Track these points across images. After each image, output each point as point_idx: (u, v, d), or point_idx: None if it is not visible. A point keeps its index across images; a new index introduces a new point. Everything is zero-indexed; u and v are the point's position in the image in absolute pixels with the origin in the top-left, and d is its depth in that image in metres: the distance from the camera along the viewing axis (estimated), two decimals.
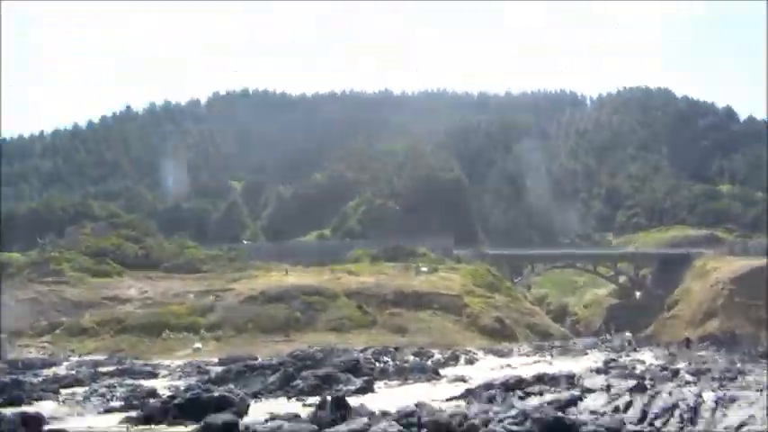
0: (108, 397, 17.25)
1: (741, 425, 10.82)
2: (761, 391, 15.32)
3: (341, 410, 12.76)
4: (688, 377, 19.45)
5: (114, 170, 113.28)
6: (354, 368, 21.79)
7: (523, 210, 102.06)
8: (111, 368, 25.12)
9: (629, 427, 10.54)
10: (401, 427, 9.98)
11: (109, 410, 15.34)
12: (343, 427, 10.21)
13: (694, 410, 11.66)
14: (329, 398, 13.75)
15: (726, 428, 10.77)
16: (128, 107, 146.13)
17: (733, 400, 12.37)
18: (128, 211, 79.71)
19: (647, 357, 28.85)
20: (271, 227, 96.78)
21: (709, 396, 12.62)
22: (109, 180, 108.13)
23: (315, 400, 15.29)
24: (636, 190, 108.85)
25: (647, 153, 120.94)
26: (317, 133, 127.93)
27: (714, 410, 11.75)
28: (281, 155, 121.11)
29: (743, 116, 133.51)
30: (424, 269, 54.19)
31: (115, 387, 18.75)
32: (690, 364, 24.53)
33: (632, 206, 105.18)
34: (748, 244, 71.63)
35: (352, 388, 18.48)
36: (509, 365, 26.04)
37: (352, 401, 14.12)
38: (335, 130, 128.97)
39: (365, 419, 10.80)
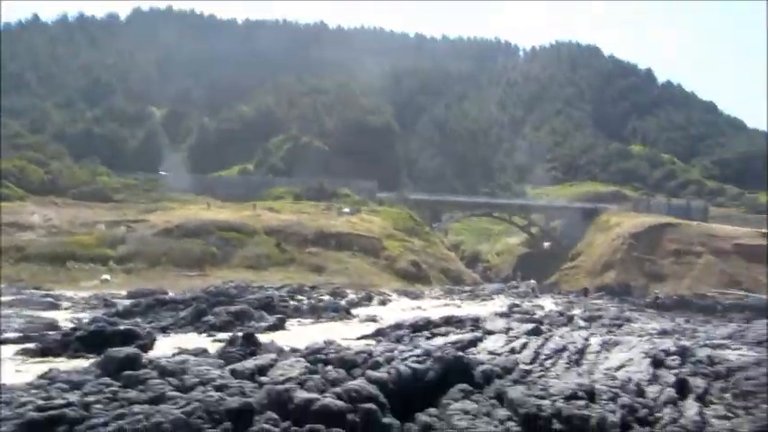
0: (2, 328, 16.44)
1: (620, 366, 11.87)
2: (641, 336, 16.86)
3: (251, 346, 12.88)
4: (581, 323, 20.95)
5: (18, 85, 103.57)
6: (268, 306, 21.95)
7: (449, 157, 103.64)
8: (8, 298, 23.85)
9: (522, 366, 11.26)
10: (308, 363, 10.19)
11: (2, 342, 14.67)
12: (249, 362, 10.29)
13: (581, 352, 12.60)
14: (240, 334, 13.82)
15: (607, 369, 11.73)
16: (35, 16, 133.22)
17: (616, 344, 13.46)
18: (32, 132, 73.88)
19: (548, 303, 30.82)
20: (192, 158, 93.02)
21: (595, 340, 13.63)
22: (12, 95, 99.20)
23: (226, 335, 15.31)
24: (557, 144, 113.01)
25: (572, 109, 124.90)
26: (245, 63, 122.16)
27: (598, 353, 12.76)
28: (207, 83, 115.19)
29: (662, 79, 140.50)
30: (347, 210, 54.50)
31: (11, 318, 17.87)
32: (584, 311, 26.39)
33: (552, 160, 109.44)
34: (650, 202, 77.06)
35: (265, 325, 18.64)
36: (420, 307, 27.06)
37: (264, 338, 14.27)
38: (266, 62, 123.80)
39: (273, 355, 10.96)
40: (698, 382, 11.53)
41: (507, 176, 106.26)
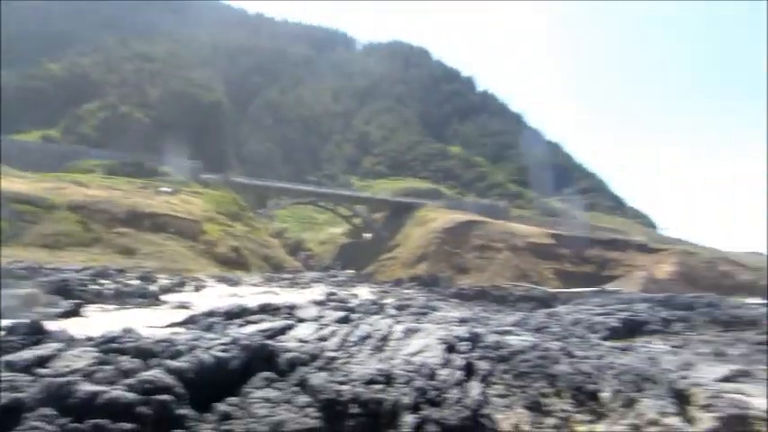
0: None
1: (418, 352, 12.75)
2: (442, 324, 18.27)
3: (36, 335, 11.58)
4: (392, 311, 22.10)
5: None
6: (63, 289, 19.89)
7: (280, 142, 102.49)
8: None
9: (327, 353, 11.57)
10: (100, 353, 9.42)
11: None
12: (27, 352, 9.23)
13: (385, 339, 13.31)
14: (23, 321, 12.35)
15: (406, 354, 12.52)
16: None
17: (417, 331, 14.42)
18: None
19: (364, 293, 31.99)
20: None
21: (399, 327, 14.47)
22: None
23: (7, 323, 13.53)
24: (384, 139, 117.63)
25: (401, 107, 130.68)
26: (58, 17, 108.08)
27: (401, 340, 13.58)
28: (6, 32, 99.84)
29: (481, 88, 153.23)
30: (166, 190, 51.37)
31: None
32: (396, 300, 27.87)
33: (378, 154, 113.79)
34: (462, 200, 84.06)
35: (57, 311, 16.88)
36: (237, 294, 26.46)
37: (54, 326, 12.92)
38: (83, 18, 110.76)
39: (58, 345, 9.93)
40: (483, 365, 12.78)
41: (335, 167, 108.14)
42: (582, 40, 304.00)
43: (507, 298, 36.49)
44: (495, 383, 12.25)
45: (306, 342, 12.63)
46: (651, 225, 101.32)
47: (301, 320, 15.26)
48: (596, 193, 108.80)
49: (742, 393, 11.37)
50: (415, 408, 9.67)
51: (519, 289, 40.79)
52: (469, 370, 12.11)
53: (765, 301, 37.78)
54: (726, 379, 12.90)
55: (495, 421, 10.36)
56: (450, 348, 13.20)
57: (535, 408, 11.41)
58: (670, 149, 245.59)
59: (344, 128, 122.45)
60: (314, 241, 78.46)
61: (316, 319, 15.19)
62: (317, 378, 9.58)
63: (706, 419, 10.02)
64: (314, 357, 11.09)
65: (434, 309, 24.54)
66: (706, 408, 10.51)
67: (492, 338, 15.24)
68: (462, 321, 20.74)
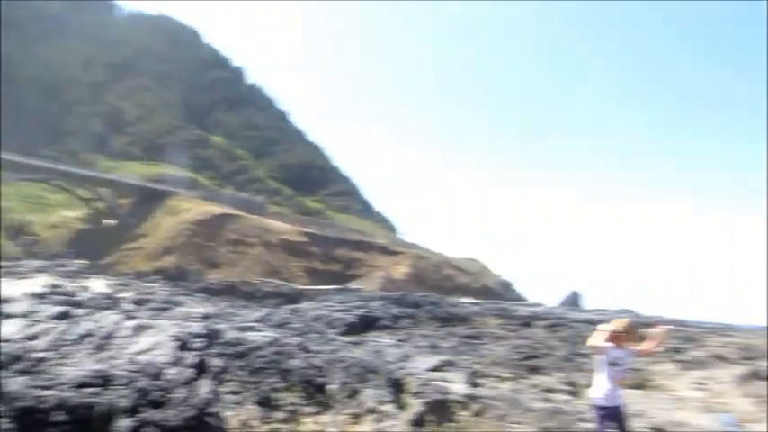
0: None
1: (146, 350, 12.05)
2: (178, 320, 17.57)
3: None
4: (127, 306, 20.53)
5: None
6: None
7: (10, 106, 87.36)
8: None
9: (34, 354, 10.34)
10: None
11: None
12: None
13: (109, 337, 12.30)
14: None
15: (131, 353, 11.75)
16: None
17: (149, 327, 13.63)
18: None
19: (98, 285, 29.08)
20: None
21: (129, 324, 13.51)
22: None
23: None
24: (140, 119, 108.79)
25: (162, 87, 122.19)
26: None
27: (129, 337, 12.68)
28: None
29: (250, 80, 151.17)
30: None
31: None
32: (135, 294, 26.01)
33: (132, 134, 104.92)
34: (220, 192, 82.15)
35: None
36: None
37: None
38: None
39: None
40: (217, 362, 12.64)
41: (78, 143, 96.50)
42: (357, 40, 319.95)
43: (255, 294, 36.81)
44: (228, 380, 12.21)
45: (8, 341, 11.05)
46: (392, 229, 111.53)
47: (8, 316, 13.28)
48: (349, 196, 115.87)
49: (446, 381, 13.26)
50: (133, 410, 9.12)
51: (268, 285, 41.37)
52: (201, 368, 11.86)
53: (476, 301, 44.66)
54: (435, 368, 14.92)
55: (224, 419, 10.33)
56: (183, 346, 12.76)
57: (265, 403, 11.69)
58: (428, 155, 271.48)
59: (94, 100, 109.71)
60: (42, 225, 68.65)
61: (26, 315, 13.33)
62: (15, 383, 8.42)
63: (415, 405, 11.42)
64: (16, 359, 9.76)
65: (177, 304, 23.55)
66: (416, 395, 12.00)
67: (232, 335, 15.15)
68: (205, 317, 20.27)
